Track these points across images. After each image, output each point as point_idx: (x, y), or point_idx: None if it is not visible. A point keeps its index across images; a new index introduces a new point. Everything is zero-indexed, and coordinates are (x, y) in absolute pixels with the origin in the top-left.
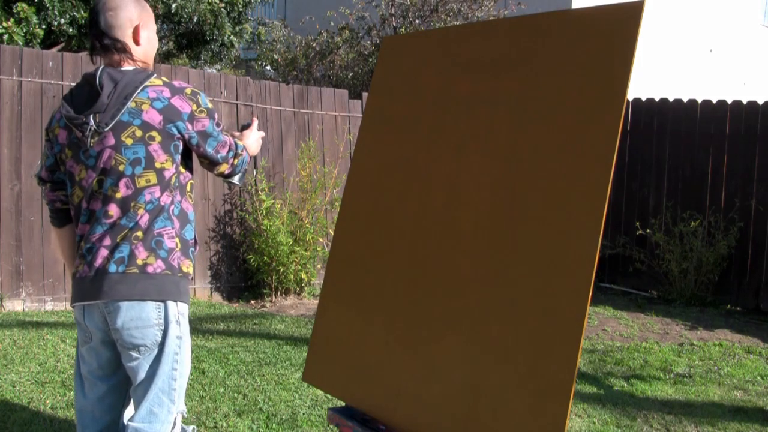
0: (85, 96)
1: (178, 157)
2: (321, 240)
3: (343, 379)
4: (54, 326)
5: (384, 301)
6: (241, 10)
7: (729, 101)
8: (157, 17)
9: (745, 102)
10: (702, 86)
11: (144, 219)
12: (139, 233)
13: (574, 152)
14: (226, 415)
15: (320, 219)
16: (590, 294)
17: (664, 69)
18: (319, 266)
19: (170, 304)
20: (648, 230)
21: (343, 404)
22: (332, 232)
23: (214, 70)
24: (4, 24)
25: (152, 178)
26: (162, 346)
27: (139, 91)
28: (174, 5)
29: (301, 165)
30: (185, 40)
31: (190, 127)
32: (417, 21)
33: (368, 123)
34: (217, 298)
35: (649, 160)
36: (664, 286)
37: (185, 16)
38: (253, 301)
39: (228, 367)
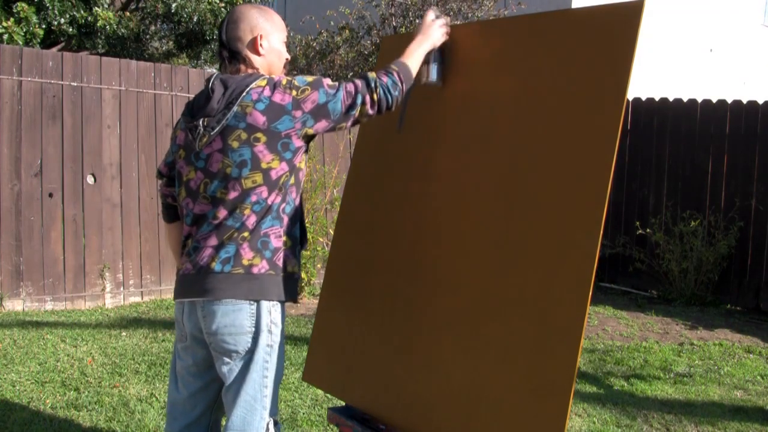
0: (201, 101)
1: (290, 155)
2: (321, 240)
3: (343, 378)
4: (54, 326)
5: (384, 301)
6: None
7: (729, 101)
8: (156, 17)
9: (745, 102)
10: (702, 86)
11: (251, 220)
12: (246, 233)
13: (574, 152)
14: None
15: (320, 219)
16: (590, 294)
17: (664, 69)
18: (319, 266)
19: (264, 308)
20: (648, 230)
21: (343, 404)
22: (332, 232)
23: (214, 70)
24: (4, 24)
25: (258, 178)
26: (252, 353)
27: (244, 94)
28: (174, 5)
29: None
30: (185, 40)
31: (298, 113)
32: (417, 21)
33: (368, 122)
34: None
35: (649, 160)
36: (664, 285)
37: (185, 15)
38: None
39: None
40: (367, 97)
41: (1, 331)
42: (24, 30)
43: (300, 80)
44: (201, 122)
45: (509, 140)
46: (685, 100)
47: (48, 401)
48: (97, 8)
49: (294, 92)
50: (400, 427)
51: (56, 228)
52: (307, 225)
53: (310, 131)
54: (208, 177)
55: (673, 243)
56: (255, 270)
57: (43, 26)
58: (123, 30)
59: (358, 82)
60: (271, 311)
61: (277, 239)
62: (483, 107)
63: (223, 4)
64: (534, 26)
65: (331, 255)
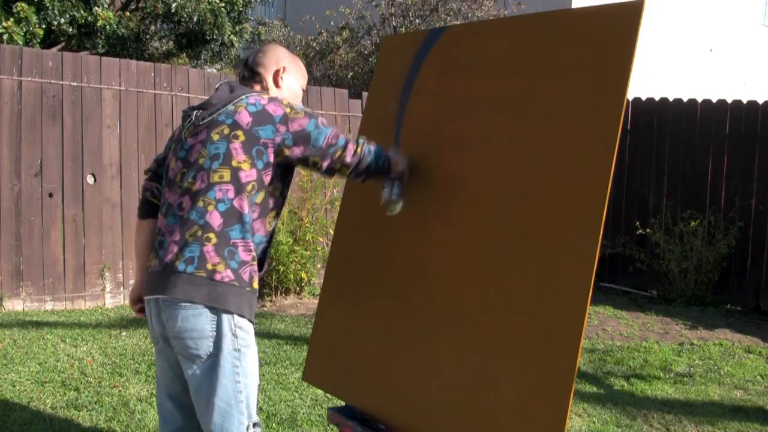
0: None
1: (261, 165)
2: (321, 240)
3: (343, 378)
4: (54, 326)
5: (384, 301)
6: (241, 9)
7: (729, 101)
8: (156, 17)
9: (745, 102)
10: (702, 86)
11: (215, 220)
12: (211, 235)
13: (574, 152)
14: None
15: (320, 218)
16: (590, 294)
17: (664, 69)
18: (319, 266)
19: (226, 316)
20: (648, 230)
21: (343, 404)
22: (332, 232)
23: (214, 70)
24: (4, 23)
25: (226, 175)
26: (216, 358)
27: (242, 97)
28: (174, 5)
29: None
30: (185, 40)
31: (282, 128)
32: (417, 20)
33: (368, 122)
34: None
35: (649, 160)
36: (664, 285)
37: (185, 15)
38: None
39: None
40: (350, 146)
41: (1, 331)
42: (24, 30)
43: (299, 106)
44: (194, 113)
45: (509, 140)
46: (685, 100)
47: (48, 401)
48: (97, 8)
49: (288, 109)
50: (400, 427)
51: (56, 228)
52: (307, 225)
53: (286, 151)
54: (186, 167)
55: (673, 243)
56: (218, 277)
57: (43, 26)
58: (123, 30)
59: (349, 135)
60: (235, 316)
61: (246, 253)
62: (483, 107)
63: (223, 4)
64: (534, 26)
65: (331, 255)
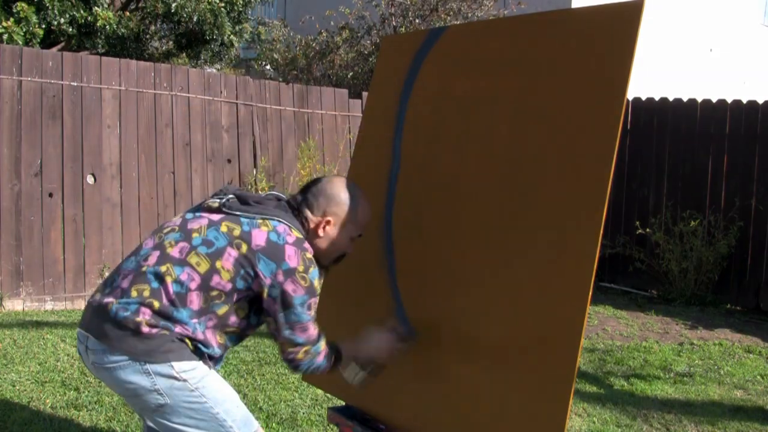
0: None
1: (240, 285)
2: None
3: (343, 378)
4: (54, 326)
5: (383, 301)
6: (240, 9)
7: (729, 101)
8: (156, 17)
9: (745, 101)
10: (702, 86)
11: (168, 294)
12: (156, 304)
13: (574, 152)
14: None
15: None
16: (590, 294)
17: (664, 68)
18: None
19: (160, 366)
20: (648, 229)
21: (343, 404)
22: None
23: (214, 70)
24: (4, 23)
25: (203, 266)
26: (175, 407)
27: (272, 216)
28: (174, 5)
29: (301, 164)
30: (185, 40)
31: (281, 278)
32: (417, 20)
33: (368, 122)
34: None
35: (649, 160)
36: (664, 285)
37: (185, 15)
38: None
39: (228, 366)
40: (301, 352)
41: (1, 331)
42: (24, 30)
43: (312, 274)
44: (229, 197)
45: (509, 140)
46: (685, 99)
47: (48, 401)
48: (97, 8)
49: (301, 267)
50: (400, 427)
51: (56, 228)
52: None
53: (264, 294)
54: (179, 230)
55: (673, 243)
56: (145, 330)
57: (43, 26)
58: (123, 30)
59: (314, 337)
60: (173, 363)
61: (184, 330)
62: (483, 107)
63: (223, 4)
64: (534, 26)
65: None
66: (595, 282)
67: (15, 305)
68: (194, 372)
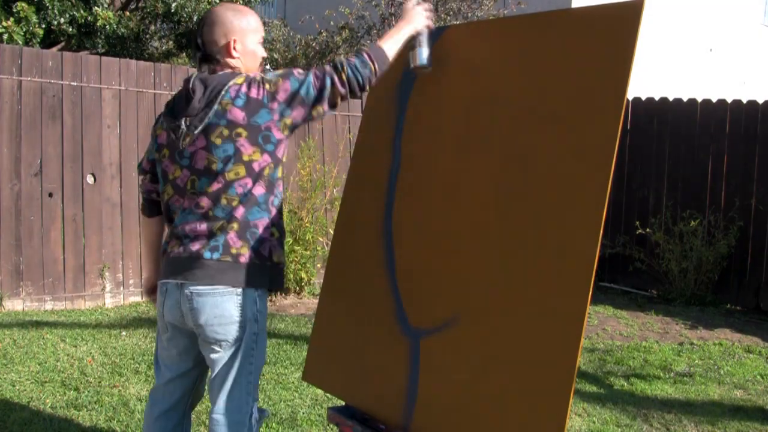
0: (182, 101)
1: (272, 147)
2: (321, 239)
3: (342, 378)
4: (54, 326)
5: (383, 300)
6: None
7: (729, 101)
8: (156, 17)
9: (745, 102)
10: (702, 86)
11: (240, 212)
12: (235, 224)
13: (574, 152)
14: None
15: (320, 218)
16: (590, 294)
17: (664, 68)
18: (318, 265)
19: (249, 299)
20: (648, 229)
21: (343, 404)
22: (332, 232)
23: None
24: (4, 23)
25: (241, 170)
26: (240, 341)
27: (223, 93)
28: (174, 5)
29: (301, 164)
30: (185, 40)
31: (275, 105)
32: None
33: (368, 122)
34: None
35: (649, 160)
36: (664, 285)
37: (185, 15)
38: None
39: None
40: (335, 78)
41: (1, 331)
42: (24, 30)
43: (271, 75)
44: (183, 122)
45: (509, 140)
46: (684, 99)
47: (48, 401)
48: (96, 8)
49: (268, 86)
50: (400, 427)
51: (56, 228)
52: (306, 225)
53: (289, 121)
54: (195, 174)
55: (673, 242)
56: (242, 259)
57: (43, 26)
58: (123, 30)
59: (327, 66)
60: (257, 300)
61: (265, 230)
62: (483, 107)
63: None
64: (534, 26)
65: (331, 255)
66: (595, 282)
67: (15, 305)
68: (263, 320)
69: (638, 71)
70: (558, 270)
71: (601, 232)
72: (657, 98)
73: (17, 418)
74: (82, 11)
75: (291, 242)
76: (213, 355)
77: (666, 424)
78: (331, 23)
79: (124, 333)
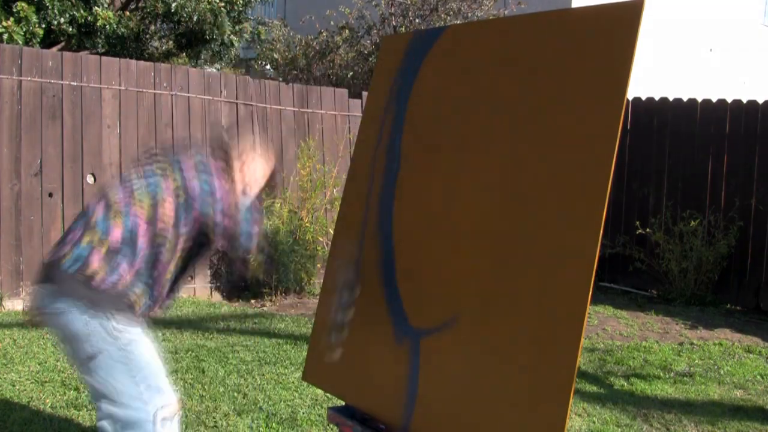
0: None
1: (182, 219)
2: (321, 239)
3: (343, 378)
4: None
5: (383, 300)
6: (240, 9)
7: (729, 101)
8: (156, 17)
9: (745, 101)
10: (702, 85)
11: (116, 236)
12: (105, 245)
13: (573, 152)
14: (226, 415)
15: (320, 218)
16: (590, 294)
17: (664, 68)
18: (318, 265)
19: (100, 320)
20: (648, 229)
21: (343, 404)
22: (332, 232)
23: (214, 70)
24: (4, 23)
25: (146, 203)
26: (98, 357)
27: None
28: (174, 4)
29: (301, 164)
30: (185, 40)
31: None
32: (417, 20)
33: (368, 122)
34: (216, 297)
35: (649, 159)
36: (664, 285)
37: (185, 15)
38: (252, 301)
39: (228, 366)
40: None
41: (1, 331)
42: (24, 29)
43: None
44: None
45: (509, 140)
46: (685, 99)
47: (48, 401)
48: (96, 8)
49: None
50: (400, 427)
51: (56, 228)
52: (306, 225)
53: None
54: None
55: (673, 242)
56: (94, 283)
57: (43, 26)
58: (123, 30)
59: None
60: (111, 321)
61: (129, 268)
62: (483, 107)
63: (223, 4)
64: (534, 26)
65: (331, 255)
66: (595, 282)
67: (15, 305)
68: (127, 334)
69: (638, 71)
70: (558, 270)
71: (601, 232)
72: (657, 98)
73: (17, 417)
74: (82, 11)
75: (291, 242)
76: (82, 375)
77: (666, 424)
78: (332, 23)
79: None
